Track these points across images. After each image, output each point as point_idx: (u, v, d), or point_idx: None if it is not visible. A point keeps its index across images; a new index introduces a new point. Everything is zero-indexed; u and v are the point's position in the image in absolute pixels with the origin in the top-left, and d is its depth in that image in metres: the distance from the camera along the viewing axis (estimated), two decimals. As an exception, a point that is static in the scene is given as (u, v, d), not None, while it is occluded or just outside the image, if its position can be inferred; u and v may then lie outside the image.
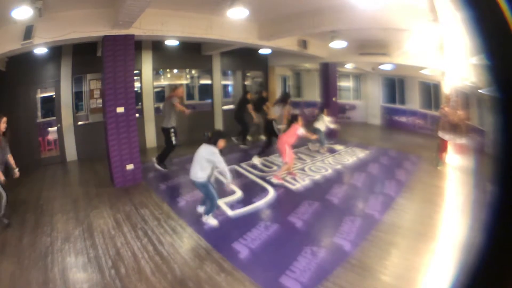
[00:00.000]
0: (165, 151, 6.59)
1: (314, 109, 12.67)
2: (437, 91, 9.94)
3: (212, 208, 4.19)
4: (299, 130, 5.85)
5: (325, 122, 7.93)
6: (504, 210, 0.56)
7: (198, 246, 3.64)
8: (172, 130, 6.40)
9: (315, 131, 7.78)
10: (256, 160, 7.05)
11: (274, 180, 5.73)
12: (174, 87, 7.08)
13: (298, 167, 6.61)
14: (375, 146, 8.63)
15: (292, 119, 6.03)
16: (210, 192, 4.10)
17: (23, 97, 6.97)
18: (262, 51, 9.63)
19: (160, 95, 9.79)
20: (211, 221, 4.20)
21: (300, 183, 5.66)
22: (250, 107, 8.64)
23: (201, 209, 4.43)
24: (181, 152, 7.93)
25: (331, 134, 8.68)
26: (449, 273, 0.68)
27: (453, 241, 3.30)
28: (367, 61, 10.14)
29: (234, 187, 5.45)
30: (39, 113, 7.42)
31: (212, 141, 4.06)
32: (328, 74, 10.34)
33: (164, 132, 6.49)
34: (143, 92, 8.87)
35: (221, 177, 5.95)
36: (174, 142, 6.44)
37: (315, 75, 12.07)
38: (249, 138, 9.08)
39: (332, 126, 8.10)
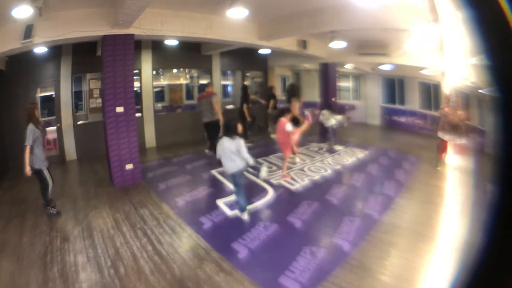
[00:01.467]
0: (212, 144, 6.84)
1: (313, 110, 12.67)
2: (437, 91, 9.94)
3: (245, 201, 4.32)
4: (287, 126, 5.62)
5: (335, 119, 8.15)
6: (504, 210, 0.56)
7: (197, 246, 3.64)
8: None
9: (328, 129, 8.17)
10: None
11: (283, 181, 5.72)
12: (207, 85, 7.59)
13: (297, 167, 6.61)
14: (374, 146, 8.63)
15: (280, 113, 5.79)
16: (241, 183, 4.24)
17: (22, 96, 6.96)
18: (261, 51, 9.62)
19: (159, 95, 9.80)
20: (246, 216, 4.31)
21: (299, 183, 5.66)
22: (245, 106, 8.54)
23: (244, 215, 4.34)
24: (181, 152, 7.94)
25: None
26: (449, 273, 0.68)
27: (452, 241, 3.30)
28: (366, 62, 10.14)
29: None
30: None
31: (233, 132, 4.12)
32: (327, 74, 10.34)
33: (207, 127, 6.79)
34: (143, 92, 8.87)
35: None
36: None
37: (315, 75, 12.07)
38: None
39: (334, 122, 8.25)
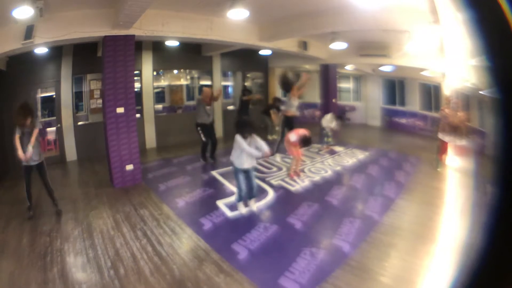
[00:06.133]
0: (213, 148, 7.21)
1: (314, 111, 12.70)
2: (438, 92, 9.94)
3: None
4: (291, 136, 5.89)
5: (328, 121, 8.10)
6: (504, 212, 0.56)
7: (197, 247, 3.64)
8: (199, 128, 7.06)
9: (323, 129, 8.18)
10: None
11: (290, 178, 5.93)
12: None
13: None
14: (375, 147, 8.63)
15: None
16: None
17: (23, 97, 6.94)
18: (262, 52, 9.62)
19: (160, 96, 9.80)
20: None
21: (299, 184, 5.66)
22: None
23: (252, 203, 4.66)
24: (181, 153, 7.94)
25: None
26: (449, 275, 0.68)
27: (452, 243, 3.30)
28: (367, 63, 10.14)
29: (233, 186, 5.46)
30: (39, 113, 7.41)
31: (246, 130, 4.29)
32: (328, 75, 10.36)
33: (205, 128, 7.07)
34: (143, 93, 8.87)
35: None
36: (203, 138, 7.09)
37: (315, 76, 12.09)
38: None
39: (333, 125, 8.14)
